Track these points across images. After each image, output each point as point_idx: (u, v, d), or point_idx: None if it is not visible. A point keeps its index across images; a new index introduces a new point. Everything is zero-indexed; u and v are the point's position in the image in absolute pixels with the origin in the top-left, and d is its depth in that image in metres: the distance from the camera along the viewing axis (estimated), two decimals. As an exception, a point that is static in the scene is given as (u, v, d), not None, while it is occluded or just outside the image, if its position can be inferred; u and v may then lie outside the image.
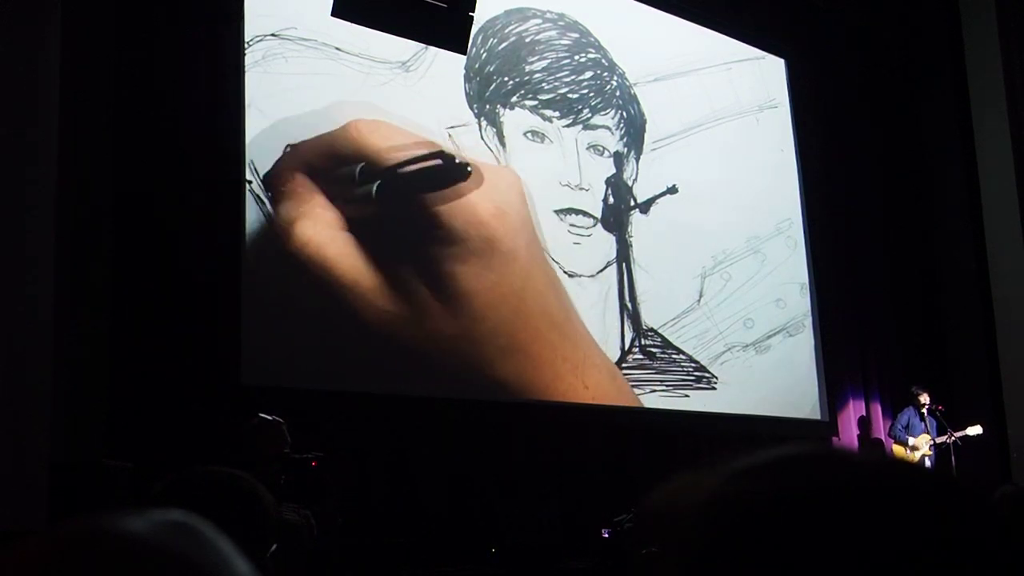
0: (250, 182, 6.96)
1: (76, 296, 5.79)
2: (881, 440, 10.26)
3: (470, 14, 6.60)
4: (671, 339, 8.95)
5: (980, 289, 10.06)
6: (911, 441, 9.76)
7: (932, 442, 9.72)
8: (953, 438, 9.63)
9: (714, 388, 9.15)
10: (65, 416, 5.47)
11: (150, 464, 5.29)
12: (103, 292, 6.11)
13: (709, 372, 9.14)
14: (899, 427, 9.91)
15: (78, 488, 4.85)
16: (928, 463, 9.74)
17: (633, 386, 8.58)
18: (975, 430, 9.62)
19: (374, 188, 7.50)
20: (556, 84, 8.70)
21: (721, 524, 0.65)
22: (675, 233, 9.18)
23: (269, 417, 4.31)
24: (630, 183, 9.04)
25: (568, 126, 8.67)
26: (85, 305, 5.89)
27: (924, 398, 9.82)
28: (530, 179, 8.34)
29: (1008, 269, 9.40)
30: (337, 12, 5.88)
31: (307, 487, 4.10)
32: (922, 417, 9.83)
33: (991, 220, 9.55)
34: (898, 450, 9.84)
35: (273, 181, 7.07)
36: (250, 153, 6.99)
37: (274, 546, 2.05)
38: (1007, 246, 9.32)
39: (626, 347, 8.62)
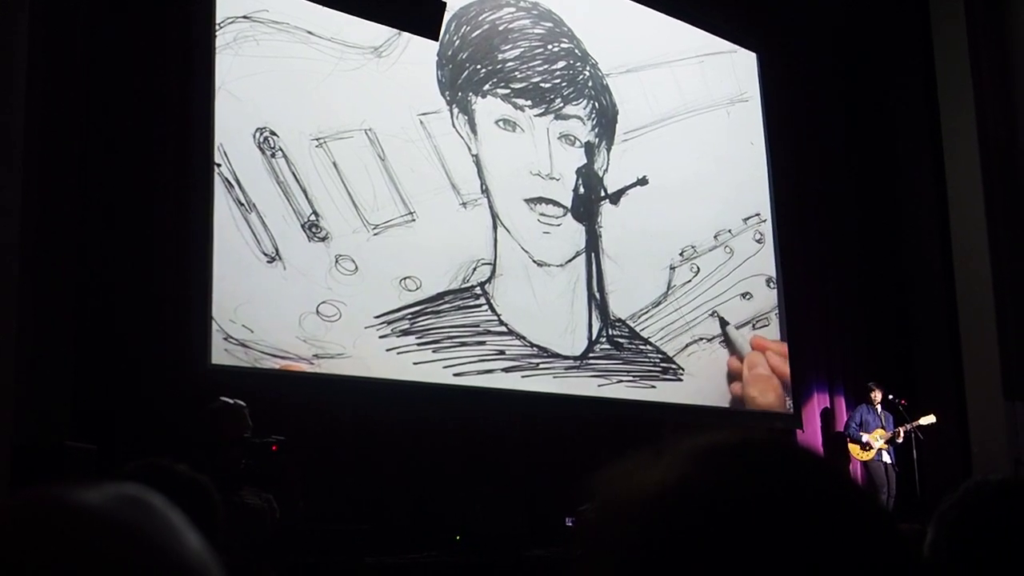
0: (219, 165, 6.91)
1: (40, 277, 5.74)
2: (843, 434, 10.33)
3: (443, 0, 6.60)
4: (638, 330, 8.98)
5: (946, 285, 10.15)
6: (864, 438, 9.81)
7: (887, 437, 9.78)
8: (908, 429, 9.72)
9: (680, 379, 9.18)
10: (29, 398, 5.42)
11: (114, 446, 5.27)
12: (68, 273, 6.06)
13: (675, 363, 9.17)
14: (853, 425, 9.97)
15: (41, 470, 4.82)
16: (888, 457, 9.83)
17: (600, 376, 8.60)
18: (928, 419, 9.71)
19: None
20: (529, 73, 8.69)
21: (667, 514, 0.67)
22: (644, 224, 9.20)
23: (230, 401, 4.29)
24: (601, 173, 9.05)
25: (540, 115, 8.67)
26: (49, 285, 5.84)
27: (876, 395, 9.89)
28: (501, 167, 8.34)
29: (973, 266, 9.48)
30: (310, -4, 5.86)
31: (268, 471, 4.09)
32: (877, 413, 9.91)
33: (957, 217, 9.63)
34: (853, 448, 9.89)
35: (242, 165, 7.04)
36: (219, 136, 6.95)
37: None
38: (973, 244, 9.40)
39: (593, 337, 8.64)
